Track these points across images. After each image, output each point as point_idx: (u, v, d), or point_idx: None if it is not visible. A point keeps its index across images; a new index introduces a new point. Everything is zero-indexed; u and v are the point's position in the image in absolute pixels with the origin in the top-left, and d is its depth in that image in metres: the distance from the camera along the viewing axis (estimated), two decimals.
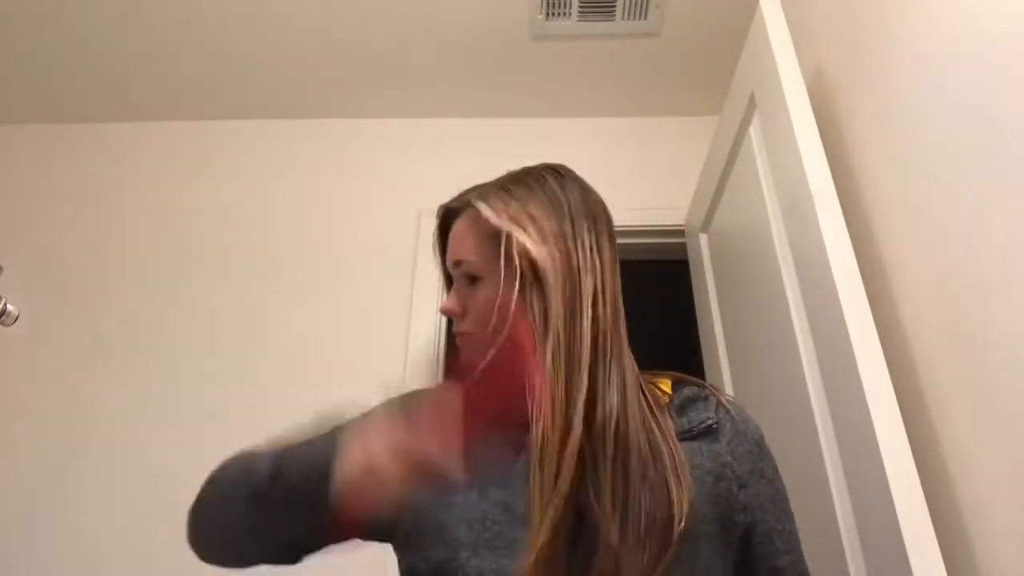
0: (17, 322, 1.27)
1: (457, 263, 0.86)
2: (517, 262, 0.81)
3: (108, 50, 2.16)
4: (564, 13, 2.05)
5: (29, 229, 2.25)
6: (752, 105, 1.54)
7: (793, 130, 1.31)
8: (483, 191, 0.88)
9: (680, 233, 2.11)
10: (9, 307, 1.25)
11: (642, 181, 2.25)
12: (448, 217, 0.90)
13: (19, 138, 2.37)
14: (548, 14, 2.06)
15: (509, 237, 0.82)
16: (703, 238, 1.95)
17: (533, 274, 0.82)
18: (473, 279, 0.84)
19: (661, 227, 2.15)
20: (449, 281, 0.89)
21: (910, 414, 1.09)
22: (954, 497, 1.07)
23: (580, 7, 2.03)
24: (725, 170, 1.74)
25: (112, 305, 2.14)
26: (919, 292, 1.19)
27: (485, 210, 0.84)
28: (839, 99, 1.48)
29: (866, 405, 1.05)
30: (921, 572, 0.93)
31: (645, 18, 2.07)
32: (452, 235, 0.88)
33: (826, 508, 1.17)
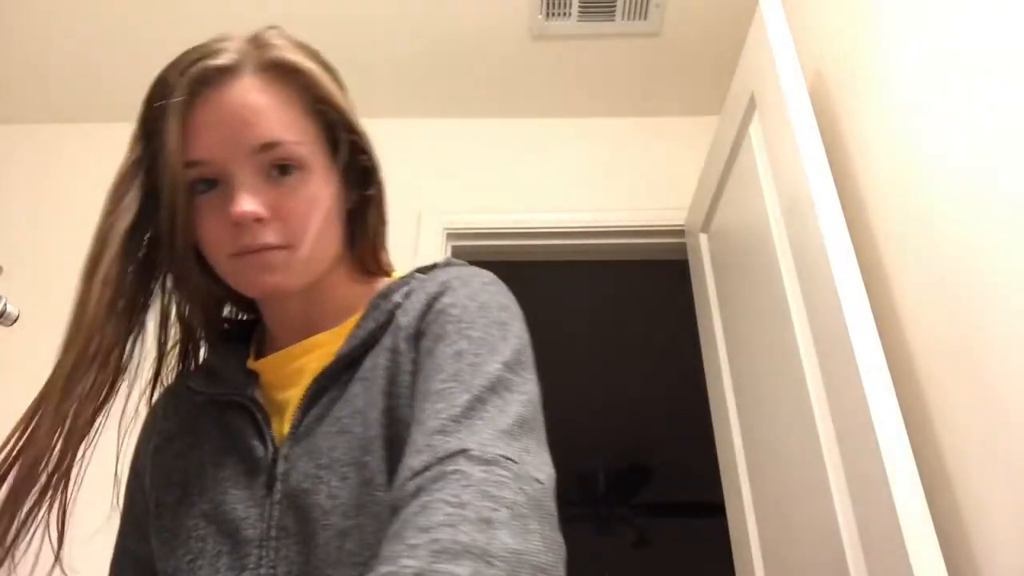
0: (17, 322, 1.27)
1: (268, 145, 0.61)
2: (361, 139, 0.68)
3: (108, 50, 2.16)
4: (564, 13, 2.05)
5: (29, 229, 2.25)
6: (752, 105, 1.54)
7: (793, 130, 1.31)
8: (267, 44, 0.67)
9: (680, 233, 2.11)
10: (9, 307, 1.25)
11: (642, 181, 2.25)
12: (203, 82, 0.61)
13: (19, 138, 2.37)
14: (548, 14, 2.06)
15: (339, 105, 0.66)
16: (703, 238, 1.95)
17: (372, 172, 0.69)
18: (286, 169, 0.62)
19: (661, 227, 2.15)
20: (186, 186, 0.61)
21: (910, 414, 1.09)
22: (954, 497, 1.07)
23: (580, 7, 2.03)
24: (725, 170, 1.74)
25: None
26: (919, 292, 1.19)
27: (306, 66, 0.65)
28: (839, 99, 1.48)
29: (866, 405, 1.05)
30: (921, 572, 0.93)
31: (645, 18, 2.07)
32: (233, 105, 0.61)
33: (826, 508, 1.17)
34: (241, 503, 0.61)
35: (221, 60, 0.63)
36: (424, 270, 0.71)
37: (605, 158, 2.28)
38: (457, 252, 2.21)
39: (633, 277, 2.85)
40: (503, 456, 0.48)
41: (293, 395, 0.65)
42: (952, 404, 1.09)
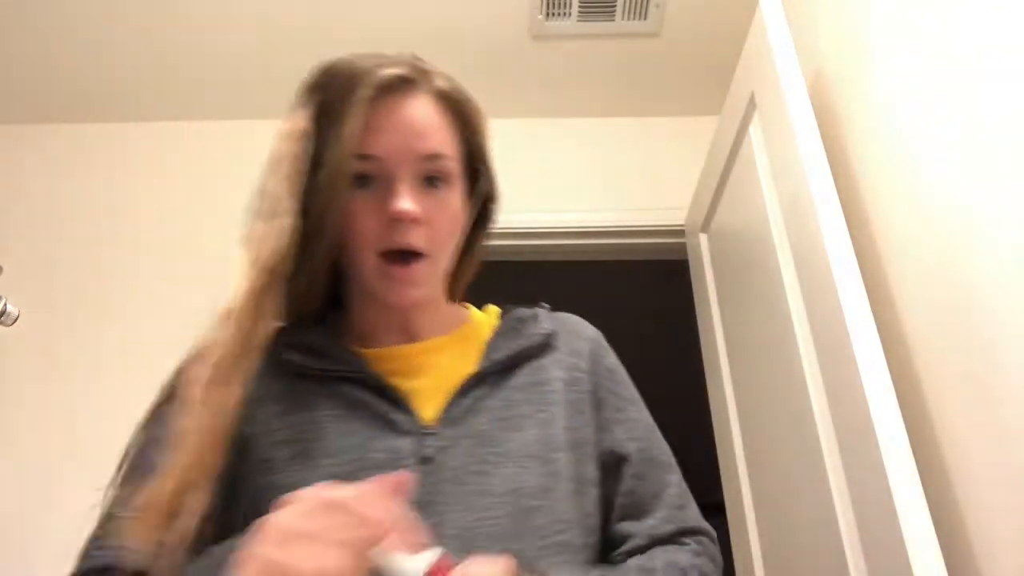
0: (17, 322, 1.27)
1: (433, 156, 0.69)
2: (493, 176, 0.76)
3: (108, 50, 2.16)
4: (564, 13, 2.05)
5: (29, 229, 2.25)
6: (752, 105, 1.54)
7: (793, 130, 1.31)
8: (440, 74, 0.73)
9: (680, 233, 2.11)
10: (9, 307, 1.25)
11: (642, 181, 2.25)
12: (390, 87, 0.68)
13: (20, 138, 2.37)
14: (548, 14, 2.06)
15: (486, 142, 0.74)
16: (703, 238, 1.95)
17: (493, 205, 0.78)
18: (434, 181, 0.69)
19: (661, 227, 2.15)
20: (357, 176, 0.67)
21: (911, 413, 1.09)
22: (954, 497, 1.07)
23: (580, 7, 2.03)
24: (725, 170, 1.74)
25: (112, 305, 2.14)
26: (919, 292, 1.19)
27: (471, 101, 0.73)
28: (839, 99, 1.48)
29: (867, 405, 1.05)
30: (921, 572, 0.93)
31: (645, 18, 2.07)
32: (413, 115, 0.69)
33: (826, 508, 1.17)
34: (384, 467, 0.61)
35: (406, 72, 0.69)
36: (516, 310, 0.81)
37: (605, 158, 2.28)
38: None
39: (633, 277, 2.85)
40: (708, 530, 0.73)
41: (424, 385, 0.71)
42: (952, 404, 1.09)
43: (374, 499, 0.48)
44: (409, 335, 0.75)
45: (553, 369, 0.75)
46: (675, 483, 0.74)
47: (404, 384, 0.70)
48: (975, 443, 1.03)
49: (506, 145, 2.32)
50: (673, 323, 2.35)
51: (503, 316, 0.80)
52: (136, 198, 2.31)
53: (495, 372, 0.73)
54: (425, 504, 0.60)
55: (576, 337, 0.79)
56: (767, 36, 1.42)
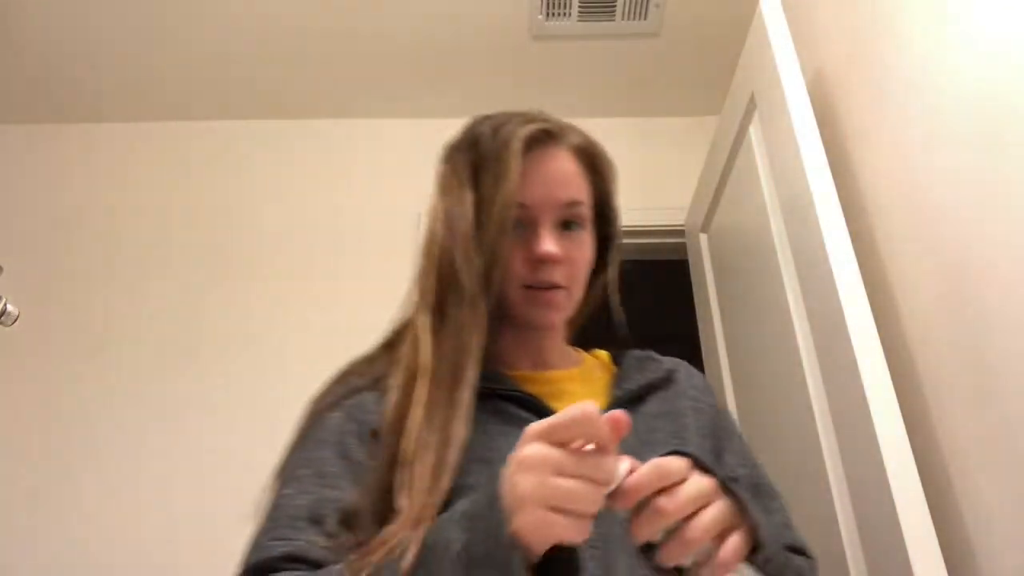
0: (17, 322, 1.27)
1: (572, 203, 0.78)
2: (616, 222, 0.83)
3: (108, 50, 2.16)
4: (564, 13, 2.05)
5: (29, 229, 2.25)
6: (752, 105, 1.54)
7: (793, 130, 1.31)
8: (574, 129, 0.83)
9: (680, 233, 2.11)
10: (9, 307, 1.25)
11: (642, 181, 2.24)
12: (536, 141, 0.77)
13: (19, 138, 2.37)
14: (548, 14, 2.06)
15: (614, 189, 0.83)
16: (703, 238, 1.95)
17: (615, 248, 0.85)
18: (570, 225, 0.78)
19: (661, 227, 2.15)
20: (512, 222, 0.74)
21: (910, 414, 1.09)
22: (954, 497, 1.07)
23: (580, 7, 2.03)
24: (725, 170, 1.74)
25: (112, 305, 2.14)
26: (919, 292, 1.19)
27: (603, 154, 0.83)
28: (839, 99, 1.48)
29: (867, 405, 1.05)
30: (921, 572, 0.93)
31: (645, 18, 2.07)
32: (555, 167, 0.78)
33: (826, 508, 1.17)
34: None
35: (550, 128, 0.79)
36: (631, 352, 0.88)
37: None
38: None
39: (633, 277, 2.85)
40: (813, 555, 0.77)
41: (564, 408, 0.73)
42: (952, 404, 1.09)
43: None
44: (537, 362, 0.82)
45: (679, 400, 0.81)
46: (780, 508, 0.80)
47: (554, 406, 0.75)
48: (975, 442, 1.03)
49: None
50: (673, 323, 2.35)
51: (616, 356, 0.88)
52: (136, 197, 2.31)
53: (628, 400, 0.77)
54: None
55: (693, 376, 0.88)
56: (767, 36, 1.42)
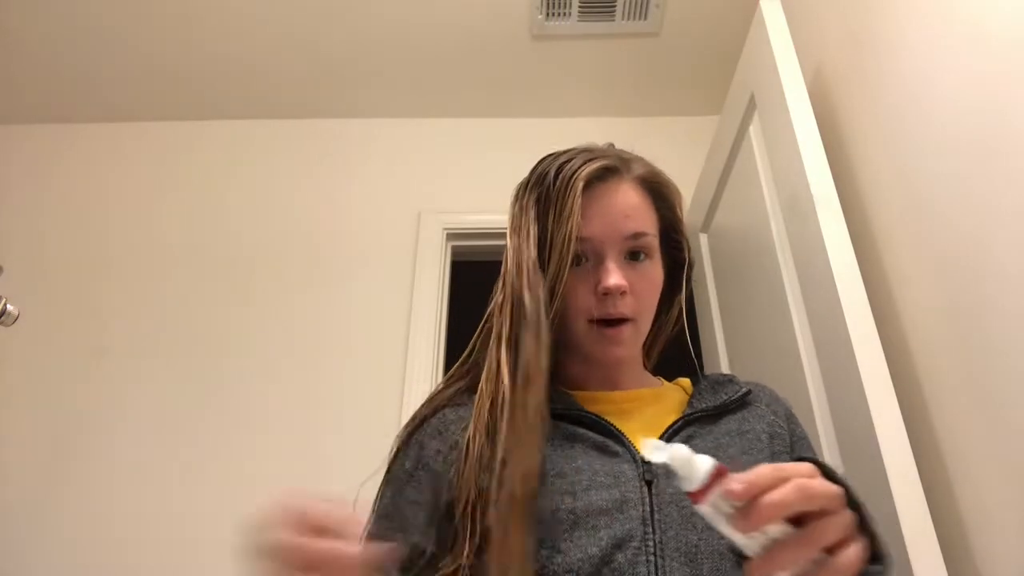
0: (17, 322, 1.27)
1: (637, 235, 0.80)
2: (687, 245, 0.85)
3: (108, 51, 2.16)
4: (564, 13, 2.05)
5: (29, 229, 2.25)
6: (752, 105, 1.54)
7: (793, 130, 1.31)
8: (638, 159, 0.85)
9: None
10: (9, 307, 1.25)
11: None
12: (598, 177, 0.80)
13: (19, 138, 2.37)
14: (548, 14, 2.06)
15: (681, 216, 0.84)
16: (703, 238, 1.95)
17: (687, 272, 0.87)
18: (637, 255, 0.80)
19: None
20: (572, 257, 0.78)
21: (910, 414, 1.09)
22: (954, 497, 1.07)
23: (580, 7, 2.03)
24: (725, 170, 1.74)
25: (112, 305, 2.14)
26: (919, 292, 1.19)
27: (667, 182, 0.84)
28: (839, 99, 1.48)
29: (866, 405, 1.05)
30: (922, 572, 0.93)
31: (645, 18, 2.07)
32: (617, 201, 0.80)
33: None
34: (611, 488, 0.70)
35: (612, 163, 0.81)
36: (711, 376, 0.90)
37: None
38: (457, 252, 2.21)
39: None
40: None
41: (634, 427, 0.77)
42: (952, 404, 1.09)
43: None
44: (608, 383, 0.84)
45: (755, 422, 0.81)
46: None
47: (616, 423, 0.77)
48: (975, 443, 1.03)
49: (506, 145, 2.34)
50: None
51: (696, 380, 0.89)
52: (136, 197, 2.31)
53: (701, 419, 0.79)
54: (651, 520, 0.67)
55: (774, 400, 0.87)
56: (767, 36, 1.42)
